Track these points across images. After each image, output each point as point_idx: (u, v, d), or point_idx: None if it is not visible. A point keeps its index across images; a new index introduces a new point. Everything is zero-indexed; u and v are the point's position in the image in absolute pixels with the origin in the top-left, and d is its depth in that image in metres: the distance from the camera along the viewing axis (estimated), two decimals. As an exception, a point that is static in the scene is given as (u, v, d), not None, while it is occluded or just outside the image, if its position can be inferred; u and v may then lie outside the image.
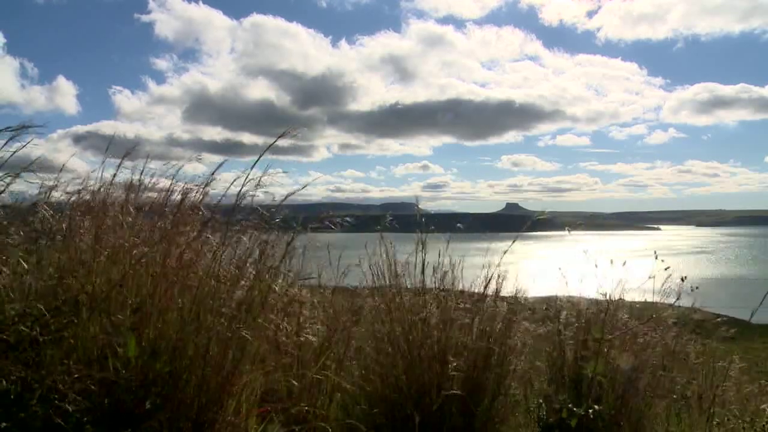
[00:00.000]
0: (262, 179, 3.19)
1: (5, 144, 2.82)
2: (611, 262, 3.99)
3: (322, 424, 3.33)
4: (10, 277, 2.61)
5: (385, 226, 4.01)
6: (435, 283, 3.92)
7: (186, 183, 3.46)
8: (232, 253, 3.21)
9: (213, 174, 3.34)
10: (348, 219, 3.59)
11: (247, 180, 3.16)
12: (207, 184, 3.30)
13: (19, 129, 2.79)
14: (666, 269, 3.96)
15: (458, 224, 3.98)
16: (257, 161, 3.18)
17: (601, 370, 3.72)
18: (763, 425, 4.33)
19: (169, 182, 3.57)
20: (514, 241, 4.01)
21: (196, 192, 3.32)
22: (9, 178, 2.87)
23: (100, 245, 2.89)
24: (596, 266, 3.97)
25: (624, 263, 3.95)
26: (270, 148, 3.19)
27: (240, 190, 3.16)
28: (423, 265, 3.86)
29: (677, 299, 4.15)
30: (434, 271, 3.90)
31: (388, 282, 3.85)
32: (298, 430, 3.27)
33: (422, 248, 3.85)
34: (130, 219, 3.19)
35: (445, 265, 3.93)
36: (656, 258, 3.97)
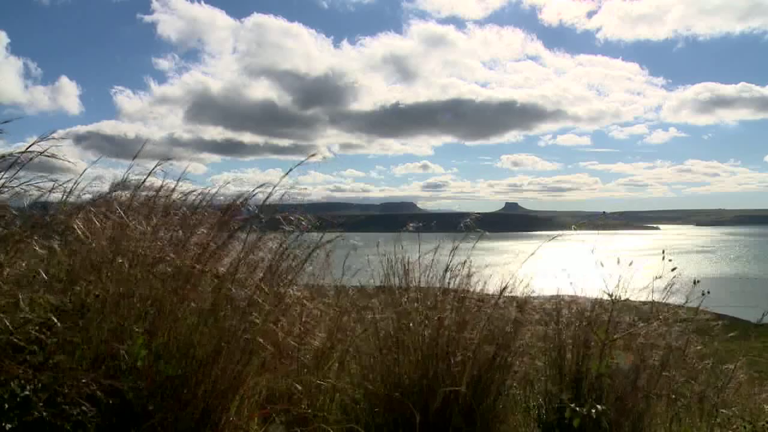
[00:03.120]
0: (261, 181, 3.23)
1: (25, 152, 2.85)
2: (618, 261, 3.97)
3: (323, 425, 3.34)
4: (17, 280, 2.61)
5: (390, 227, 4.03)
6: (451, 284, 3.94)
7: (203, 187, 3.49)
8: (243, 257, 3.22)
9: (254, 191, 3.38)
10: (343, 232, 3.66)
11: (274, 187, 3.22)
12: (246, 200, 3.33)
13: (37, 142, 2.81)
14: (673, 270, 3.94)
15: (464, 222, 3.97)
16: (289, 171, 3.26)
17: (605, 371, 3.73)
18: (763, 425, 4.33)
19: (179, 184, 3.61)
20: (551, 239, 4.02)
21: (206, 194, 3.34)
22: (14, 179, 2.88)
23: (113, 248, 2.90)
24: (602, 265, 3.95)
25: (631, 263, 3.94)
26: (273, 149, 3.27)
27: (275, 190, 3.21)
28: (447, 266, 3.88)
29: (687, 301, 4.15)
30: (447, 270, 3.91)
31: (399, 282, 3.86)
32: (300, 431, 3.27)
33: (452, 250, 3.89)
34: (138, 221, 3.19)
35: (461, 265, 3.95)
36: (663, 259, 3.95)
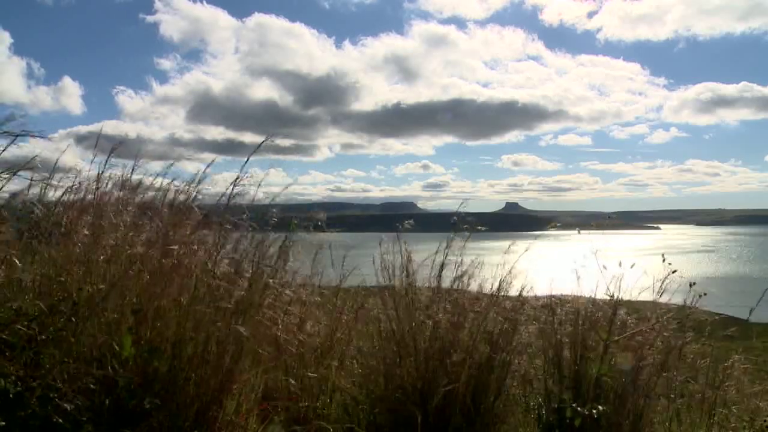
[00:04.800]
0: (257, 178, 3.23)
1: (6, 147, 2.84)
2: (620, 264, 3.97)
3: (322, 423, 3.33)
4: (6, 276, 2.60)
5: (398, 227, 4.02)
6: (448, 283, 3.93)
7: (183, 182, 3.49)
8: (229, 252, 3.22)
9: (204, 171, 3.37)
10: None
11: (238, 180, 3.21)
12: (199, 182, 3.32)
13: (19, 135, 2.80)
14: (674, 272, 3.94)
15: (455, 219, 3.96)
16: (247, 161, 3.24)
17: (606, 371, 3.72)
18: (762, 424, 4.32)
19: (165, 181, 3.61)
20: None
21: (191, 191, 3.35)
22: (6, 175, 2.88)
23: (98, 244, 2.89)
24: (605, 268, 3.94)
25: (633, 265, 3.93)
26: (274, 149, 3.24)
27: (231, 191, 3.20)
28: (442, 265, 3.87)
29: (685, 302, 4.14)
30: (442, 269, 3.91)
31: (399, 281, 3.85)
32: (299, 429, 3.27)
33: (445, 248, 3.88)
34: (128, 218, 3.19)
35: (459, 265, 3.94)
36: (664, 261, 3.94)
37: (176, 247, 2.94)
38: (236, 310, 2.91)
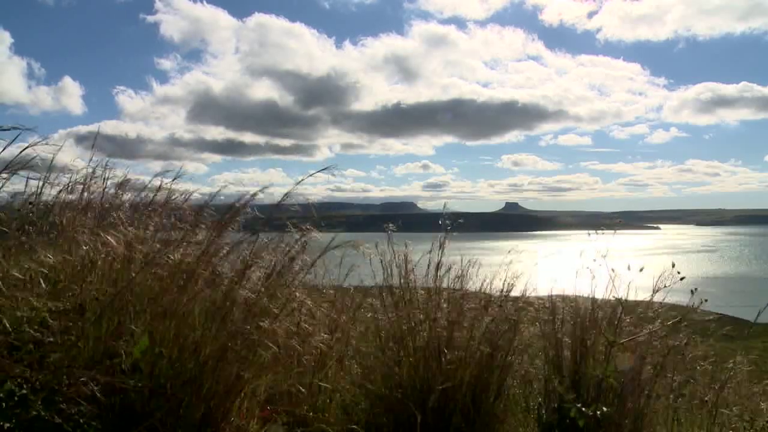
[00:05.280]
0: (261, 181, 3.23)
1: (6, 147, 2.84)
2: (629, 268, 3.97)
3: (323, 426, 3.33)
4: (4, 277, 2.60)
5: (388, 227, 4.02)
6: (447, 283, 3.94)
7: (184, 182, 3.49)
8: (238, 254, 3.22)
9: (205, 171, 3.38)
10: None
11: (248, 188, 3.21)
12: (246, 202, 3.30)
13: (11, 129, 2.79)
14: (682, 279, 3.94)
15: (441, 222, 3.98)
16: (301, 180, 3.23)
17: (611, 372, 3.72)
18: (763, 425, 4.33)
19: (166, 181, 3.61)
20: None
21: (193, 192, 3.35)
22: (5, 175, 2.87)
23: (102, 245, 2.88)
24: (613, 271, 3.95)
25: (641, 269, 3.93)
26: (274, 149, 3.27)
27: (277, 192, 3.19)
28: (438, 264, 3.88)
29: (697, 305, 4.15)
30: (438, 269, 3.91)
31: (398, 281, 3.85)
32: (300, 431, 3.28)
33: (440, 248, 3.89)
34: (127, 218, 3.18)
35: (457, 264, 3.95)
36: (673, 266, 3.95)
37: (182, 249, 2.94)
38: (246, 313, 2.90)
